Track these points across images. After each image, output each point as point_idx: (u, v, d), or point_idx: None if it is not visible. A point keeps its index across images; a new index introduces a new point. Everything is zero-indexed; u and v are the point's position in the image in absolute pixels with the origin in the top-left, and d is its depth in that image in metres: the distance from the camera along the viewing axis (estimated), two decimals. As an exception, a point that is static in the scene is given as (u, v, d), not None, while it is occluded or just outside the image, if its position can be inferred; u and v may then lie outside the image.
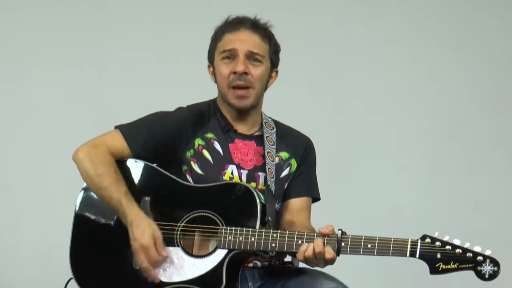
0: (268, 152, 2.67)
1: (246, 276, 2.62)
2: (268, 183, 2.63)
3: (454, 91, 4.24)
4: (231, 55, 2.64)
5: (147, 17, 4.09)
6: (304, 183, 2.73)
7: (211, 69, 2.72)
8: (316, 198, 2.78)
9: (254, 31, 2.67)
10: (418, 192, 4.23)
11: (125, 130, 2.65)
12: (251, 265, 2.64)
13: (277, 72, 2.75)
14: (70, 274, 2.61)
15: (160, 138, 2.64)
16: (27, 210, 4.00)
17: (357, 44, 4.18)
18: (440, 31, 4.23)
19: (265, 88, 2.72)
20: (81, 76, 4.05)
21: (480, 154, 4.23)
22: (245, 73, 2.63)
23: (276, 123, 2.78)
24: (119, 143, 2.63)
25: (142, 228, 2.51)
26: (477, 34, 4.23)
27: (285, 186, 2.72)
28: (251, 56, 2.64)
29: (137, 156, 2.64)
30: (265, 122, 2.73)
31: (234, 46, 2.64)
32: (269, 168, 2.64)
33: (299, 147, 2.75)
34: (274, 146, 2.70)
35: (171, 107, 2.71)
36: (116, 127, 2.67)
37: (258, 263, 2.65)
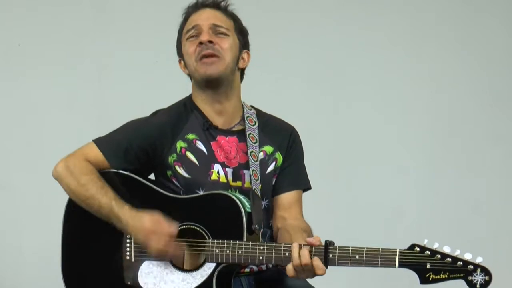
0: (252, 151, 2.61)
1: (242, 283, 2.60)
2: (254, 187, 2.58)
3: (454, 91, 4.23)
4: (196, 33, 2.62)
5: (147, 17, 4.09)
6: (292, 176, 2.68)
7: (182, 62, 2.70)
8: (306, 188, 2.72)
9: (216, 9, 2.66)
10: (418, 191, 4.22)
11: (103, 144, 2.60)
12: (247, 270, 2.61)
13: (248, 53, 2.71)
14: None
15: (140, 147, 2.59)
16: (27, 210, 4.00)
17: (357, 43, 4.18)
18: (440, 30, 4.23)
19: (239, 69, 2.67)
20: (81, 76, 4.04)
21: (480, 154, 4.23)
22: (211, 42, 2.59)
23: (258, 114, 2.71)
24: (98, 157, 2.59)
25: (138, 219, 2.47)
26: (477, 33, 4.23)
27: (273, 182, 2.67)
28: (215, 30, 2.61)
29: (117, 169, 2.60)
30: (247, 117, 2.67)
31: (197, 22, 2.63)
32: (253, 170, 2.60)
33: (283, 139, 2.69)
34: (257, 144, 2.64)
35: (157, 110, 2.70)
36: (93, 141, 2.62)
37: (254, 268, 2.62)
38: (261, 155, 2.65)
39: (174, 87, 4.01)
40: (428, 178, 4.23)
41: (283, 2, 4.17)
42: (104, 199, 2.50)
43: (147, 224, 2.46)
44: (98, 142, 2.61)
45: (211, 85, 2.61)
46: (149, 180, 2.64)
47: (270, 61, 3.93)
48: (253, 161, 2.61)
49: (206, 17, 2.63)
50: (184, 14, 2.70)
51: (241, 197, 2.53)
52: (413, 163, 4.21)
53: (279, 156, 2.68)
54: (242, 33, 2.69)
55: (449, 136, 4.23)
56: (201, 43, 2.58)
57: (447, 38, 4.23)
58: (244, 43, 2.69)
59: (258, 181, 2.60)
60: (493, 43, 4.23)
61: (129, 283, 2.54)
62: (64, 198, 2.64)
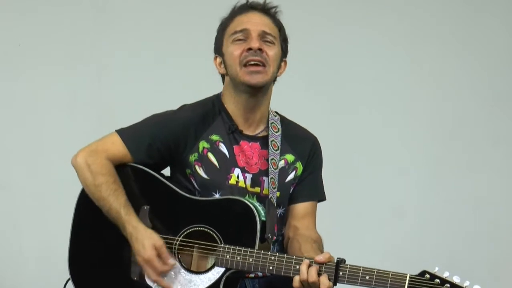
0: (272, 159, 2.60)
1: (246, 285, 2.59)
2: (270, 195, 2.57)
3: (455, 91, 4.23)
4: (244, 36, 2.56)
5: (147, 17, 4.09)
6: (310, 187, 2.67)
7: (218, 59, 2.64)
8: (321, 199, 2.72)
9: (265, 14, 2.61)
10: (419, 192, 4.22)
11: (127, 136, 2.59)
12: (252, 275, 2.59)
13: (286, 62, 2.69)
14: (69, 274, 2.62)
15: (164, 142, 2.57)
16: (27, 210, 4.00)
17: (357, 43, 4.17)
18: (441, 31, 4.22)
19: (275, 78, 2.64)
20: (81, 76, 4.04)
21: (481, 154, 4.22)
22: (260, 50, 2.54)
23: (283, 121, 2.70)
24: (120, 150, 2.58)
25: (142, 241, 2.47)
26: (478, 34, 4.23)
27: (291, 190, 2.66)
28: (264, 37, 2.57)
29: (139, 162, 2.59)
30: (271, 123, 2.65)
31: (246, 26, 2.57)
32: (271, 178, 2.58)
33: (305, 148, 2.68)
34: (278, 152, 2.62)
35: (171, 107, 2.68)
36: (117, 131, 2.60)
37: (259, 273, 2.60)
38: (282, 163, 2.64)
39: (174, 87, 4.03)
40: (429, 178, 4.22)
41: (283, 2, 4.16)
42: (114, 204, 2.51)
43: (148, 252, 2.46)
44: (122, 134, 2.59)
45: (251, 91, 2.58)
46: (167, 178, 2.63)
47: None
48: (272, 169, 2.59)
49: (256, 23, 2.58)
50: (231, 12, 2.64)
51: (257, 204, 2.52)
52: (414, 164, 4.21)
53: (299, 166, 2.67)
54: (285, 41, 2.67)
55: (450, 137, 4.22)
56: (250, 49, 2.54)
57: (448, 38, 4.22)
58: (284, 52, 2.67)
59: (275, 189, 2.59)
60: (494, 43, 4.23)
61: (135, 278, 2.54)
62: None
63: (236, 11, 2.62)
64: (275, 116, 2.70)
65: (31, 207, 4.01)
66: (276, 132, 2.65)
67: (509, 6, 4.25)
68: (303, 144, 2.68)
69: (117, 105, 3.96)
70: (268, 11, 2.63)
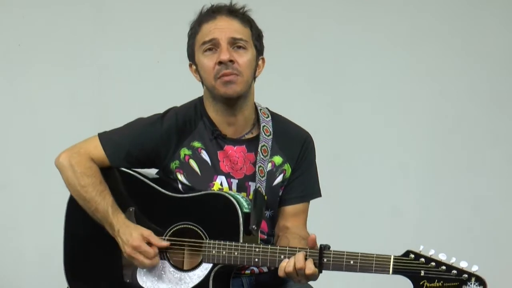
0: (260, 166, 2.54)
1: (243, 283, 2.59)
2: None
3: (454, 91, 4.23)
4: (213, 46, 2.49)
5: (147, 17, 4.09)
6: (300, 188, 2.62)
7: (193, 67, 2.58)
8: (315, 197, 2.67)
9: (232, 17, 2.53)
10: (418, 191, 4.22)
11: (106, 141, 2.58)
12: (248, 271, 2.59)
13: (263, 60, 2.61)
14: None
15: (143, 151, 2.56)
16: (27, 210, 4.00)
17: (357, 43, 4.17)
18: (440, 31, 4.22)
19: (254, 78, 2.57)
20: (81, 76, 4.04)
21: (480, 154, 4.22)
22: (231, 61, 2.48)
23: (273, 119, 2.63)
24: (100, 154, 2.57)
25: (129, 231, 2.47)
26: (477, 33, 4.22)
27: (280, 193, 2.62)
28: (234, 43, 2.50)
29: (119, 167, 2.59)
30: (263, 126, 2.58)
31: (214, 35, 2.49)
32: (259, 187, 2.52)
33: (295, 149, 2.61)
34: (267, 158, 2.57)
35: (170, 107, 2.69)
36: (98, 135, 2.60)
37: (255, 269, 2.60)
38: (269, 166, 2.59)
39: (174, 87, 4.03)
40: (428, 178, 4.22)
41: (283, 2, 4.17)
42: (101, 204, 2.51)
43: (135, 240, 2.46)
44: (102, 139, 2.59)
45: (229, 101, 2.53)
46: (150, 179, 2.62)
47: (269, 60, 3.93)
48: (259, 177, 2.54)
49: (224, 29, 2.50)
50: (197, 19, 2.57)
51: (239, 197, 2.49)
52: (413, 163, 4.21)
53: (287, 168, 2.61)
54: (258, 39, 2.58)
55: (449, 136, 4.22)
56: (220, 62, 2.47)
57: (447, 38, 4.22)
58: (260, 50, 2.59)
59: (264, 177, 2.54)
60: (493, 43, 4.23)
61: (128, 280, 2.54)
62: (64, 198, 2.65)
63: (203, 18, 2.54)
64: (267, 117, 2.63)
65: (31, 207, 4.01)
66: (268, 136, 2.59)
67: (509, 6, 4.25)
68: (293, 145, 2.62)
69: (116, 105, 3.96)
70: (235, 12, 2.54)
